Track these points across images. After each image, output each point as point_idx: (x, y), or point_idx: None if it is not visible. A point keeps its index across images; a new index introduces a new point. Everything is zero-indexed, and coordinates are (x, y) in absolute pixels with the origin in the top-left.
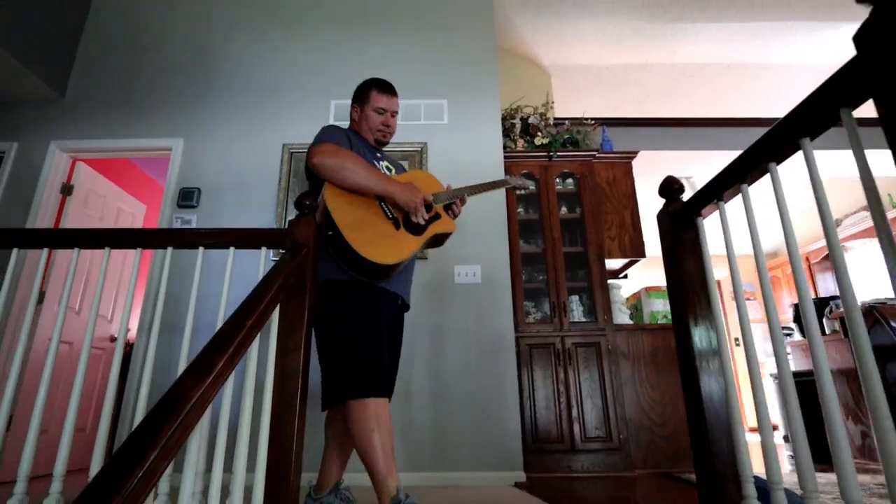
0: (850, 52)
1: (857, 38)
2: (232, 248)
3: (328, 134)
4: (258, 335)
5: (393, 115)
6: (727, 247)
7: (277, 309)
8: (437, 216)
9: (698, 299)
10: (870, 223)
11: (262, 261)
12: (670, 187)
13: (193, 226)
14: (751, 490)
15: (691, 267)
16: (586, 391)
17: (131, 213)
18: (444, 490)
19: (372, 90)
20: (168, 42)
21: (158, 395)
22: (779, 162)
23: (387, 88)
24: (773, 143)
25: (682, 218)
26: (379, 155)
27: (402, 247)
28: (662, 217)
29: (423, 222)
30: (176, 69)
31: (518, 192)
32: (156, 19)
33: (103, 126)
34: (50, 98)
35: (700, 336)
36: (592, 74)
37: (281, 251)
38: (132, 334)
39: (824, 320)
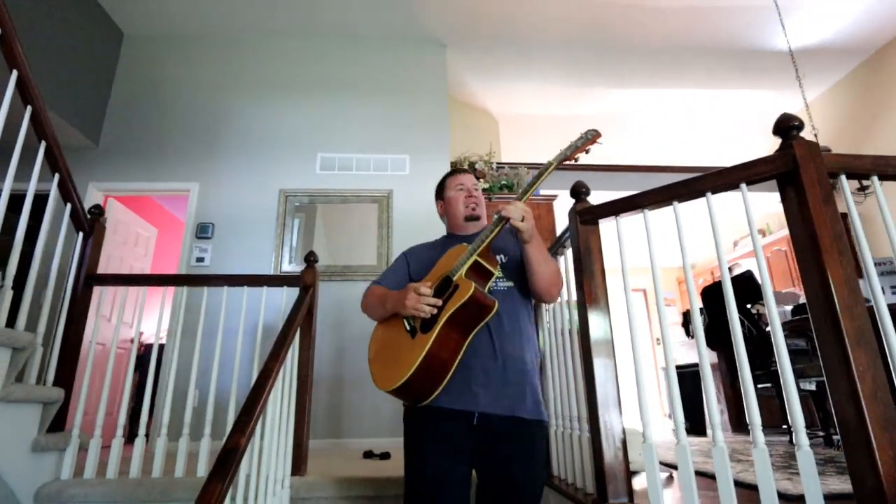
0: (724, 110)
1: (571, 213)
2: (265, 287)
3: (380, 277)
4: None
5: (475, 188)
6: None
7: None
8: (455, 289)
9: None
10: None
11: (283, 294)
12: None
13: (209, 253)
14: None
15: None
16: None
17: (147, 237)
18: None
19: (445, 180)
20: (184, 102)
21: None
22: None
23: (457, 170)
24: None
25: None
26: (465, 243)
27: (407, 358)
28: None
29: (433, 312)
30: (191, 124)
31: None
32: (172, 83)
33: (131, 170)
34: (87, 147)
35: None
36: (533, 123)
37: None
38: (146, 338)
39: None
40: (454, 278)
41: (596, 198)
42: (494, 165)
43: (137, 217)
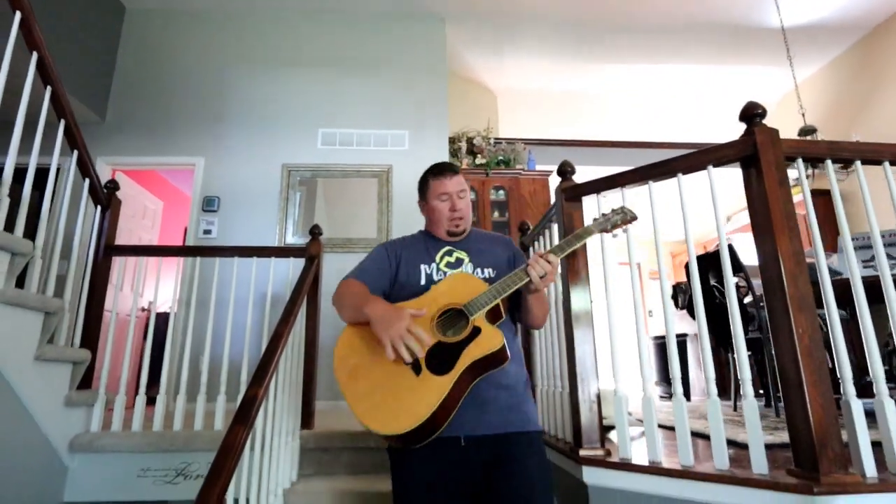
0: (721, 85)
1: (557, 191)
2: (273, 258)
3: (360, 263)
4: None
5: (461, 196)
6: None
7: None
8: (476, 332)
9: None
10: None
11: (290, 265)
12: None
13: (216, 226)
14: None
15: None
16: None
17: (154, 209)
18: None
19: (428, 180)
20: (188, 77)
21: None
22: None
23: (443, 171)
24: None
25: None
26: (449, 247)
27: (413, 400)
28: None
29: (409, 358)
30: (195, 100)
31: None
32: (176, 58)
33: (138, 144)
34: (94, 122)
35: None
36: (530, 97)
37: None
38: (160, 307)
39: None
40: (472, 319)
41: (590, 172)
42: (492, 141)
43: (144, 190)
